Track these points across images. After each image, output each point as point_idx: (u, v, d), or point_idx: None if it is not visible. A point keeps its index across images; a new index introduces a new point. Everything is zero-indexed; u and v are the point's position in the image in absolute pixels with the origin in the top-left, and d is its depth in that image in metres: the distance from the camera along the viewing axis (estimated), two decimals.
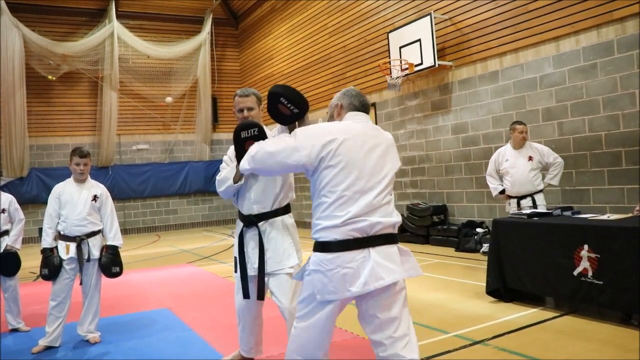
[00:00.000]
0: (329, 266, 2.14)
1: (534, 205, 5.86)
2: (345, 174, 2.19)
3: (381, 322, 2.20)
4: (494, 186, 6.33)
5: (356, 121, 2.36)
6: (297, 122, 2.52)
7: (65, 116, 14.13)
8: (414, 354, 2.20)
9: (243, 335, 3.41)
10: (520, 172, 5.98)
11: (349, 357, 3.68)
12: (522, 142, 6.04)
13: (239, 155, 2.76)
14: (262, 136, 2.69)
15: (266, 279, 3.06)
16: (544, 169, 6.08)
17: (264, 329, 3.53)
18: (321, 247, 2.20)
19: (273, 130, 2.97)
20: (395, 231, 2.30)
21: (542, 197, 6.03)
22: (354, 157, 2.20)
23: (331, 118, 2.47)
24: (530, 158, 5.96)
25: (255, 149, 2.38)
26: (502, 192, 6.25)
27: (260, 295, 3.03)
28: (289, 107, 2.41)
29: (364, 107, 2.42)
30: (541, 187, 6.02)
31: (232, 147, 3.26)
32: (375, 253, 2.16)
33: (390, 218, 2.26)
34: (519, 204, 6.00)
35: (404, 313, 2.24)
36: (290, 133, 2.46)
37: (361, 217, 2.16)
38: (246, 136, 2.73)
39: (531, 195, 5.98)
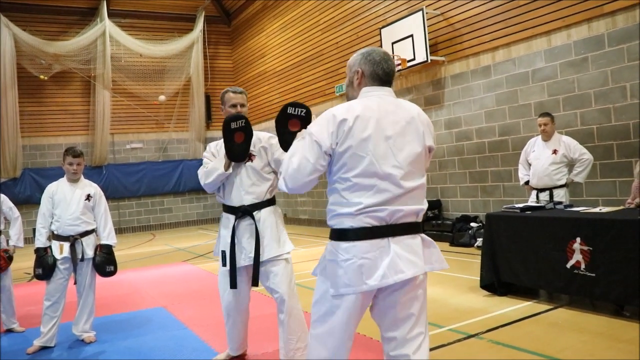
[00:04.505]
0: (345, 256, 1.94)
1: (551, 200, 5.59)
2: (357, 159, 1.95)
3: (397, 319, 2.01)
4: (521, 176, 6.15)
5: (370, 98, 2.05)
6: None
7: (58, 116, 14.07)
8: (424, 357, 2.02)
9: (233, 332, 3.40)
10: (541, 165, 5.78)
11: (354, 356, 3.68)
12: (543, 134, 5.81)
13: (229, 146, 3.02)
14: (249, 128, 2.98)
15: (262, 267, 3.10)
16: (570, 164, 5.79)
17: (256, 325, 3.54)
18: (336, 234, 2.00)
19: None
20: (419, 219, 2.06)
21: (564, 192, 5.73)
22: (366, 141, 1.95)
23: (350, 84, 2.16)
24: (555, 151, 5.72)
25: (284, 168, 2.07)
26: (528, 182, 6.03)
27: (255, 282, 3.08)
28: (297, 113, 2.42)
29: (387, 75, 2.09)
30: (562, 182, 5.72)
31: (210, 145, 3.38)
32: (395, 244, 1.94)
33: (413, 205, 2.02)
34: (538, 197, 5.81)
35: (422, 311, 2.05)
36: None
37: (379, 207, 1.94)
38: (235, 127, 2.99)
39: (550, 189, 5.74)
